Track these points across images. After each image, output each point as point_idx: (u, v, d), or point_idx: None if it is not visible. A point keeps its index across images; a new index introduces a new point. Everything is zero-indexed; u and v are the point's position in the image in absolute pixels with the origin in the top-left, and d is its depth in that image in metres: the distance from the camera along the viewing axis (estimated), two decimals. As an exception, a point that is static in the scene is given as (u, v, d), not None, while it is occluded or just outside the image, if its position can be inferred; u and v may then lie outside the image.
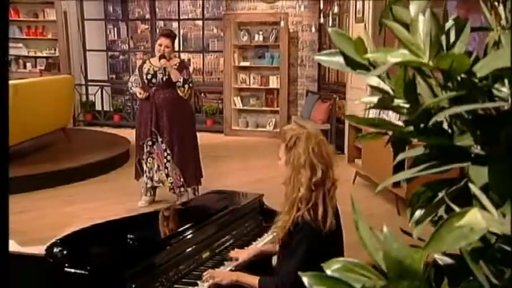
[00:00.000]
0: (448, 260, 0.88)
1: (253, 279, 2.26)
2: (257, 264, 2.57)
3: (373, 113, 5.02)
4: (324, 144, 2.25)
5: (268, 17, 9.08)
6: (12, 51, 9.78)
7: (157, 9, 10.35)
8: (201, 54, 10.19)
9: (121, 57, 10.97)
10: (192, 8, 10.37)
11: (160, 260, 2.30)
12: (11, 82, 5.89)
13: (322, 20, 8.50)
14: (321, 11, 8.63)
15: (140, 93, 5.06)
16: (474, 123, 0.81)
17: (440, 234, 0.71)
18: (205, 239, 2.62)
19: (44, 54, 10.27)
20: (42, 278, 2.30)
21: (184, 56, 10.11)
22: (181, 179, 5.14)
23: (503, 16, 0.88)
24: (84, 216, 4.77)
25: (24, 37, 10.26)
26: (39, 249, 2.31)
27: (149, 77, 5.05)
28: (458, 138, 0.82)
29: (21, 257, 2.30)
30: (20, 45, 10.17)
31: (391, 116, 4.22)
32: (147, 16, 10.44)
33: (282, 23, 8.59)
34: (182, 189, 5.17)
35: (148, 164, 5.15)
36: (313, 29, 8.76)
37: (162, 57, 4.98)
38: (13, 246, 2.37)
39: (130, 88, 5.25)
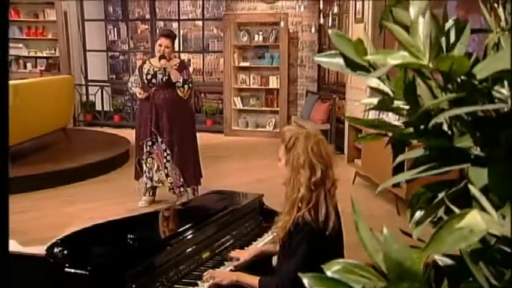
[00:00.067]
0: (448, 261, 0.88)
1: (254, 279, 2.26)
2: (257, 264, 2.57)
3: (372, 114, 5.02)
4: (323, 144, 2.25)
5: (268, 18, 9.08)
6: (12, 52, 9.78)
7: (157, 10, 10.35)
8: (201, 55, 10.18)
9: (121, 57, 10.97)
10: (192, 8, 10.37)
11: (161, 260, 2.31)
12: (11, 82, 5.89)
13: (322, 21, 8.51)
14: (320, 12, 8.64)
15: (140, 94, 5.06)
16: (474, 124, 0.81)
17: (440, 235, 0.72)
18: (206, 239, 2.62)
19: (44, 55, 10.27)
20: (43, 278, 2.31)
21: (184, 56, 10.10)
22: (181, 179, 5.14)
23: (502, 18, 0.88)
24: (85, 216, 4.77)
25: (25, 37, 10.25)
26: (40, 249, 2.31)
27: (149, 77, 5.05)
28: (458, 140, 0.82)
29: (21, 257, 2.30)
30: (20, 45, 10.17)
31: (391, 117, 4.22)
32: (147, 16, 10.44)
33: (282, 24, 8.60)
34: (182, 189, 5.17)
35: (148, 164, 5.14)
36: (313, 30, 8.76)
37: (162, 57, 4.97)
38: (14, 246, 2.37)
39: (130, 88, 5.25)
